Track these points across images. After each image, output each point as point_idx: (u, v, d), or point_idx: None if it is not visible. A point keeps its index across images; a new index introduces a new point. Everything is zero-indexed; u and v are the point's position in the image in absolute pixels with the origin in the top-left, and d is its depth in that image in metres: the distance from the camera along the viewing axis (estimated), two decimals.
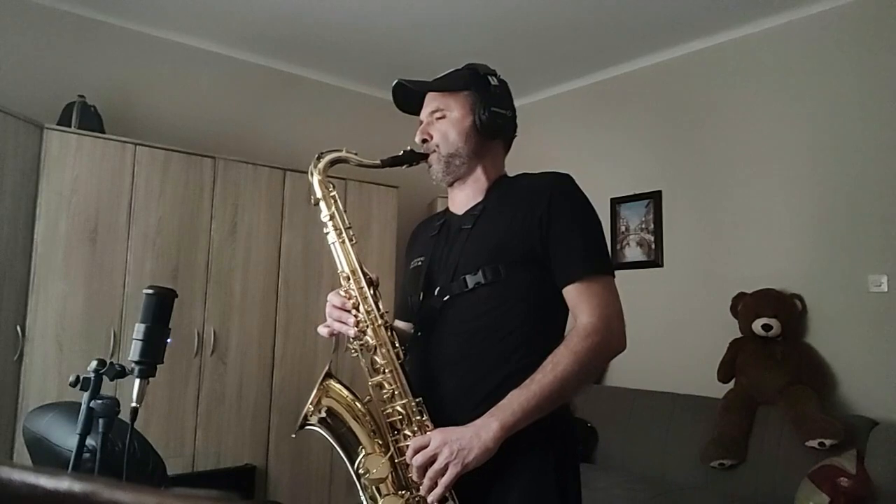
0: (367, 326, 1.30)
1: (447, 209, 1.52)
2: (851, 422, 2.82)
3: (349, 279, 1.33)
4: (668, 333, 3.61)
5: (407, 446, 1.23)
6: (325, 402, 1.30)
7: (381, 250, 4.15)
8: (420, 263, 1.45)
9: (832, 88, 3.25)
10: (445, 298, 1.33)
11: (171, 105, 3.88)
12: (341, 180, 4.05)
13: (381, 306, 1.31)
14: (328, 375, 1.33)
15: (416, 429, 1.24)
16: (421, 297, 1.39)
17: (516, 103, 1.51)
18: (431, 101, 1.44)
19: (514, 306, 1.29)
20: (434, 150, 1.41)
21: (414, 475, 1.21)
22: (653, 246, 3.88)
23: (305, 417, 1.30)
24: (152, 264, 3.33)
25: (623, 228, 4.05)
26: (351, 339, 1.32)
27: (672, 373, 3.57)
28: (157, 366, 1.29)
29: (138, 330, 1.29)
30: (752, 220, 3.47)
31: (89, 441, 1.26)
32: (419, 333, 1.38)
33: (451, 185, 1.46)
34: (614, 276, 1.32)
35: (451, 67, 1.54)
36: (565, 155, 4.21)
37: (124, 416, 1.27)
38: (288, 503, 3.61)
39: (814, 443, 2.74)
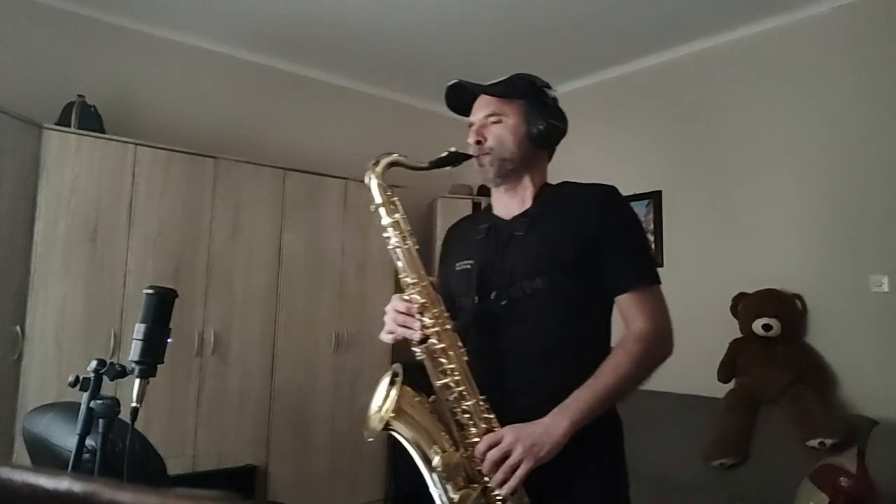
0: (434, 331, 1.32)
1: (486, 211, 1.57)
2: (852, 421, 2.83)
3: (415, 285, 1.34)
4: None
5: (474, 443, 1.28)
6: (398, 405, 1.32)
7: (382, 250, 4.12)
8: (469, 266, 1.48)
9: (834, 89, 3.25)
10: (503, 303, 1.39)
11: (171, 105, 3.88)
12: (343, 180, 4.05)
13: (446, 313, 1.34)
14: (405, 382, 1.36)
15: (483, 426, 1.29)
16: (477, 300, 1.43)
17: None
18: (487, 105, 1.47)
19: (568, 311, 1.37)
20: (487, 153, 1.45)
21: (484, 469, 1.26)
22: (653, 246, 3.88)
23: (387, 424, 1.32)
24: (153, 264, 3.32)
25: None
26: (416, 343, 1.34)
27: (673, 373, 3.53)
28: (158, 366, 1.29)
29: (138, 330, 1.28)
30: (753, 220, 3.47)
31: (89, 441, 1.26)
32: (474, 335, 1.40)
33: (498, 187, 1.51)
34: (661, 285, 1.40)
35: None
36: (565, 155, 4.20)
37: (124, 416, 1.27)
38: (289, 503, 3.61)
39: (814, 442, 2.75)
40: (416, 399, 1.34)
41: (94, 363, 1.27)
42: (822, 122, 3.27)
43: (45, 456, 1.54)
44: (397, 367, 1.38)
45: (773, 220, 3.39)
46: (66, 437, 1.42)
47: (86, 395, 1.25)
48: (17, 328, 2.95)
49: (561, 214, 1.41)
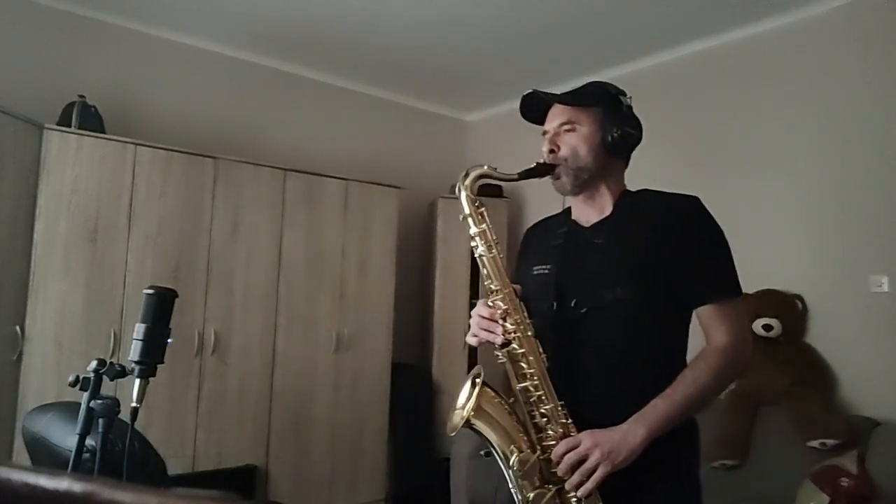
0: (515, 336, 1.35)
1: (565, 215, 1.57)
2: (853, 422, 2.82)
3: (498, 292, 1.38)
4: None
5: (551, 445, 1.32)
6: (477, 406, 1.37)
7: (383, 250, 4.15)
8: (546, 271, 1.49)
9: (833, 89, 3.24)
10: (583, 310, 1.39)
11: (171, 105, 3.88)
12: (342, 180, 4.05)
13: (527, 316, 1.37)
14: (484, 384, 1.39)
15: (560, 430, 1.32)
16: (555, 307, 1.44)
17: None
18: (561, 114, 1.47)
19: (648, 322, 1.38)
20: (562, 162, 1.44)
21: (561, 471, 1.29)
22: None
23: (468, 420, 1.36)
24: (153, 264, 3.33)
25: None
26: (498, 347, 1.37)
27: None
28: (158, 366, 1.29)
29: (138, 330, 1.28)
30: (753, 221, 3.47)
31: (89, 441, 1.26)
32: (552, 340, 1.42)
33: (574, 196, 1.51)
34: (742, 297, 1.43)
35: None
36: None
37: (124, 416, 1.27)
38: (288, 503, 3.61)
39: (815, 443, 2.74)
40: (496, 400, 1.38)
41: (94, 363, 1.27)
42: (823, 122, 3.27)
43: (44, 456, 1.54)
44: (479, 368, 1.41)
45: (773, 220, 3.39)
46: (66, 437, 1.42)
47: (86, 395, 1.25)
48: (17, 328, 2.95)
49: (642, 223, 1.42)
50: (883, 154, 3.05)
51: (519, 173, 1.43)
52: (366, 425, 4.03)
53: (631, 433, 1.27)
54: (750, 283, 3.26)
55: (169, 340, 1.31)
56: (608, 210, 1.47)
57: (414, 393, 4.26)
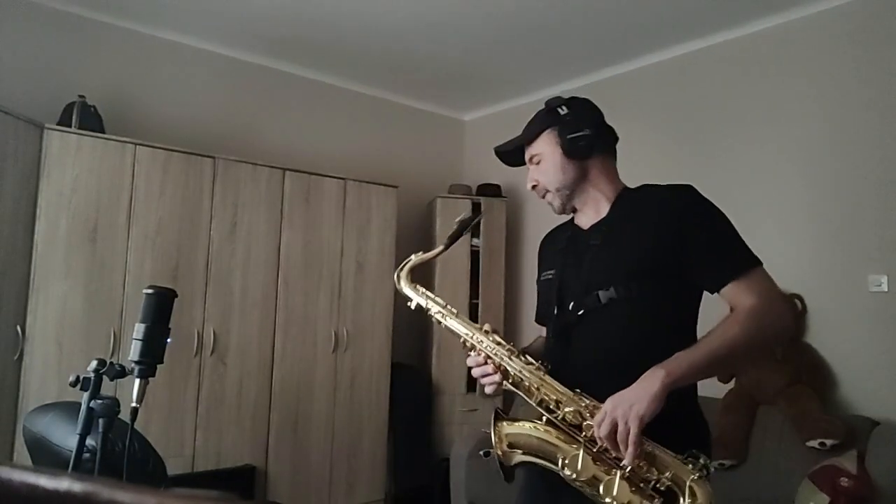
0: (504, 367, 1.39)
1: (572, 222, 1.60)
2: (852, 422, 2.82)
3: (473, 347, 1.44)
4: None
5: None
6: (507, 440, 1.37)
7: (381, 250, 4.15)
8: (551, 276, 1.55)
9: (833, 88, 3.25)
10: (580, 313, 1.41)
11: (170, 105, 3.88)
12: (340, 180, 4.05)
13: (503, 342, 1.41)
14: (497, 418, 1.40)
15: (590, 414, 1.31)
16: (556, 311, 1.48)
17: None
18: (528, 152, 1.55)
19: (647, 321, 1.38)
20: (544, 193, 1.53)
21: (609, 447, 1.26)
22: None
23: (501, 465, 1.36)
24: (152, 264, 3.33)
25: None
26: (504, 383, 1.41)
27: None
28: (157, 366, 1.29)
29: (138, 330, 1.29)
30: (752, 220, 3.46)
31: (89, 441, 1.26)
32: (556, 345, 1.47)
33: (573, 211, 1.57)
34: (762, 265, 1.39)
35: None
36: None
37: (124, 416, 1.27)
38: (287, 503, 3.61)
39: (814, 443, 2.74)
40: (527, 426, 1.37)
41: (94, 363, 1.27)
42: (822, 121, 3.27)
43: (45, 455, 1.54)
44: (497, 407, 1.44)
45: (772, 219, 3.39)
46: (66, 437, 1.42)
47: (86, 395, 1.25)
48: (18, 327, 2.95)
49: (637, 220, 1.43)
50: (882, 153, 3.05)
51: (445, 244, 1.54)
52: (365, 425, 4.03)
53: (649, 377, 1.24)
54: None
55: (168, 340, 1.31)
56: (605, 211, 1.50)
57: (413, 393, 4.26)
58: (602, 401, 1.29)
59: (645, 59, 4.07)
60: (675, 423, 1.27)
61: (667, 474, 1.24)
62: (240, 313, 3.60)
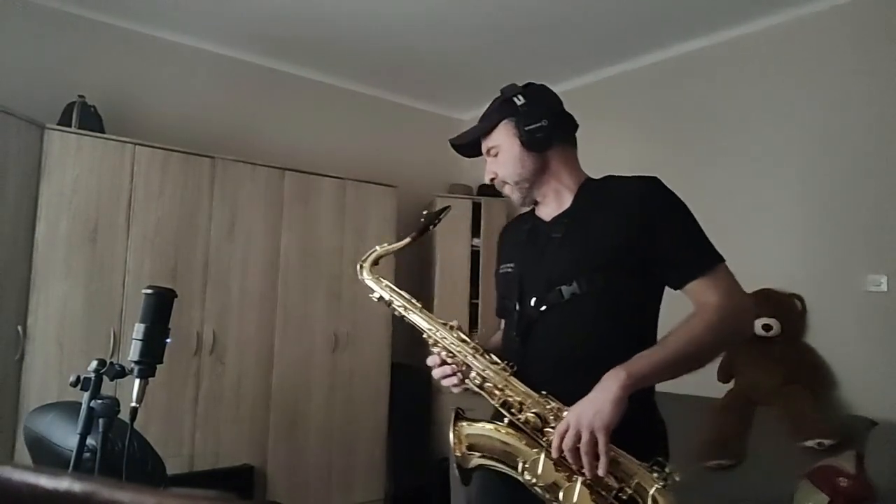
0: (466, 365, 1.36)
1: (532, 213, 1.55)
2: (851, 422, 2.82)
3: (435, 343, 1.41)
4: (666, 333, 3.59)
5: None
6: (466, 441, 1.34)
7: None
8: (511, 270, 1.49)
9: (832, 88, 3.25)
10: (542, 308, 1.37)
11: (170, 105, 3.88)
12: (339, 180, 4.06)
13: (469, 339, 1.38)
14: (457, 419, 1.36)
15: (553, 419, 1.26)
16: (517, 306, 1.42)
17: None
18: (484, 144, 1.51)
19: (611, 317, 1.34)
20: (504, 185, 1.50)
21: (573, 462, 1.21)
22: None
23: (460, 468, 1.34)
24: (150, 264, 3.33)
25: None
26: (465, 381, 1.38)
27: None
28: (157, 366, 1.29)
29: (138, 330, 1.29)
30: (751, 220, 3.48)
31: (89, 441, 1.26)
32: (518, 341, 1.41)
33: (534, 204, 1.52)
34: (725, 262, 1.36)
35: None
36: None
37: (124, 415, 1.28)
38: (286, 503, 3.61)
39: (812, 443, 2.74)
40: (486, 427, 1.33)
41: (94, 363, 1.28)
42: (820, 121, 3.27)
43: (46, 455, 1.54)
44: (457, 407, 1.41)
45: (772, 219, 3.40)
46: (66, 437, 1.43)
47: (86, 395, 1.25)
48: (19, 328, 2.96)
49: (601, 212, 1.38)
50: (881, 153, 3.06)
51: (412, 236, 1.49)
52: (363, 425, 4.03)
53: (609, 381, 1.19)
54: (749, 283, 3.26)
55: (168, 340, 1.31)
56: (568, 202, 1.45)
57: (413, 393, 4.25)
58: (566, 401, 1.24)
59: (642, 59, 4.07)
60: (632, 426, 1.21)
61: (630, 482, 1.19)
62: (239, 313, 3.60)
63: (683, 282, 1.32)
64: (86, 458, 1.29)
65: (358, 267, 1.53)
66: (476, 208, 4.54)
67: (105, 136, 3.30)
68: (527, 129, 1.41)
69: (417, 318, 1.44)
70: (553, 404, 1.27)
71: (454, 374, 1.37)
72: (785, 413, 2.92)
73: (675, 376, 1.27)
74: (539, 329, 1.38)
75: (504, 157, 1.46)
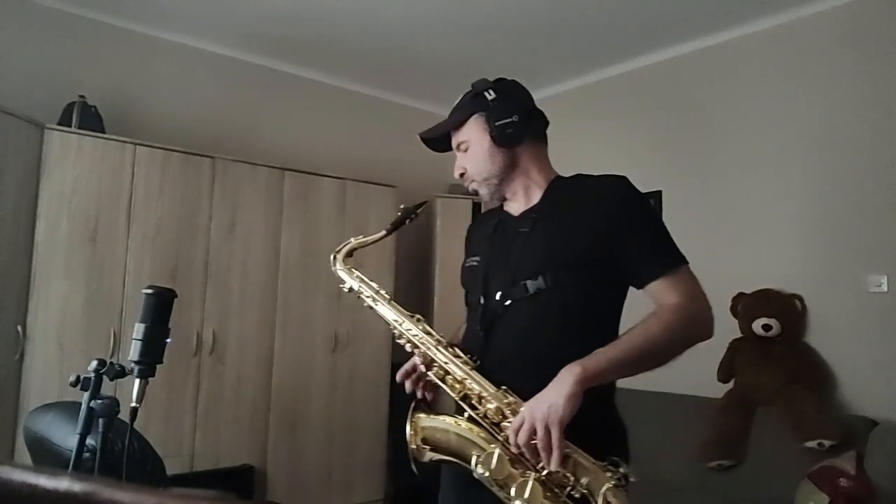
0: (430, 358, 1.39)
1: (501, 208, 1.55)
2: (851, 422, 2.82)
3: (395, 329, 1.44)
4: None
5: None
6: (422, 434, 1.36)
7: (380, 249, 4.15)
8: (476, 263, 1.50)
9: (832, 88, 3.25)
10: (507, 303, 1.37)
11: (170, 105, 3.88)
12: (340, 180, 4.06)
13: (433, 332, 1.40)
14: (415, 410, 1.40)
15: (511, 414, 1.25)
16: (482, 300, 1.42)
17: None
18: (454, 138, 1.50)
19: (575, 311, 1.33)
20: (472, 181, 1.48)
21: (530, 457, 1.21)
22: None
23: (414, 459, 1.36)
24: (151, 264, 3.33)
25: None
26: (426, 372, 1.41)
27: (671, 373, 3.54)
28: (157, 366, 1.29)
29: (138, 330, 1.29)
30: (752, 220, 3.48)
31: (89, 441, 1.26)
32: (481, 335, 1.41)
33: (501, 200, 1.51)
34: (688, 265, 1.37)
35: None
36: (564, 154, 4.20)
37: (124, 415, 1.27)
38: (286, 503, 3.61)
39: (813, 443, 2.74)
40: (446, 420, 1.34)
41: (94, 363, 1.27)
42: (821, 121, 3.27)
43: (45, 455, 1.54)
44: (416, 400, 1.45)
45: (772, 219, 3.40)
46: (66, 437, 1.43)
47: (86, 395, 1.25)
48: (19, 328, 2.95)
49: (569, 209, 1.38)
50: (881, 153, 3.06)
51: (387, 229, 1.53)
52: (364, 425, 4.03)
53: (564, 374, 1.19)
54: (749, 282, 3.30)
55: (168, 340, 1.31)
56: (537, 198, 1.45)
57: (413, 392, 4.24)
58: (527, 396, 1.24)
59: (644, 59, 4.07)
60: (590, 425, 1.21)
61: (583, 481, 1.18)
62: (239, 313, 3.60)
63: (645, 281, 1.33)
64: (86, 458, 1.29)
65: (331, 257, 1.55)
66: (476, 208, 4.53)
67: (105, 136, 3.30)
68: (497, 124, 1.41)
69: (385, 310, 1.46)
70: (510, 398, 1.27)
71: (420, 364, 1.41)
72: (786, 413, 2.92)
73: (632, 374, 1.27)
74: (503, 323, 1.37)
75: (474, 152, 1.46)
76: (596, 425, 1.26)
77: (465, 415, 1.31)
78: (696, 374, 3.45)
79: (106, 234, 3.22)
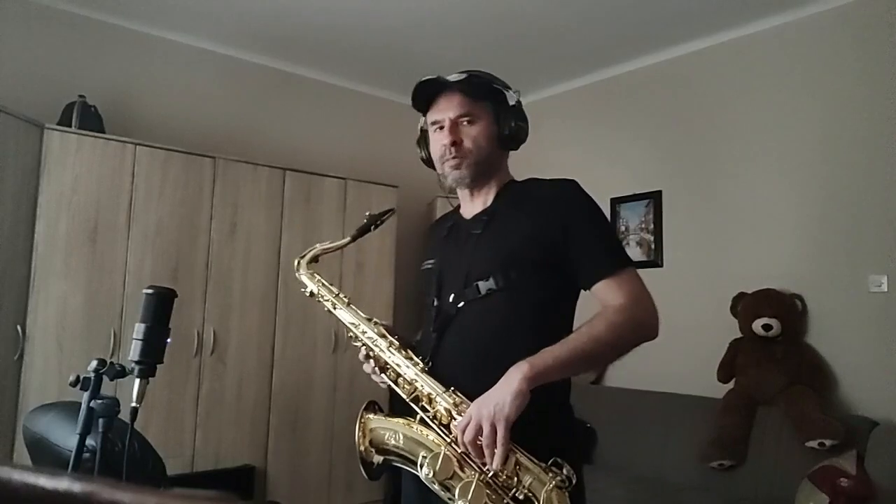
0: (384, 361, 1.40)
1: (456, 210, 1.57)
2: (852, 422, 2.82)
3: (356, 338, 1.45)
4: (667, 333, 3.53)
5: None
6: (370, 436, 1.39)
7: (381, 249, 4.15)
8: (431, 266, 1.51)
9: (832, 88, 3.25)
10: (460, 304, 1.38)
11: (170, 105, 3.88)
12: (341, 180, 4.05)
13: (388, 335, 1.41)
14: (367, 410, 1.42)
15: (458, 414, 1.27)
16: (435, 301, 1.44)
17: None
18: (458, 105, 1.43)
19: (527, 311, 1.35)
20: (466, 155, 1.43)
21: (474, 454, 1.21)
22: (652, 246, 3.88)
23: (363, 461, 1.37)
24: (152, 264, 3.33)
25: (623, 228, 4.05)
26: (383, 377, 1.42)
27: (672, 373, 3.57)
28: (157, 366, 1.29)
29: (138, 330, 1.29)
30: (752, 220, 3.48)
31: (89, 441, 1.26)
32: (434, 338, 1.42)
33: (468, 189, 1.50)
34: (636, 268, 1.37)
35: (451, 67, 1.55)
36: (565, 155, 4.22)
37: (124, 415, 1.27)
38: (287, 503, 3.61)
39: (814, 443, 2.74)
40: (392, 421, 1.36)
41: (94, 363, 1.27)
42: (821, 121, 3.27)
43: (45, 455, 1.54)
44: (370, 401, 1.47)
45: (773, 220, 3.40)
46: (66, 437, 1.43)
47: (86, 395, 1.25)
48: (18, 328, 2.95)
49: (520, 211, 1.40)
50: (881, 153, 3.06)
51: (352, 235, 1.52)
52: None
53: (511, 374, 1.20)
54: (749, 282, 3.30)
55: (168, 340, 1.31)
56: (491, 201, 1.47)
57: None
58: (476, 397, 1.25)
59: (645, 59, 4.07)
60: (543, 425, 1.24)
61: (526, 481, 1.19)
62: (240, 313, 3.60)
63: (591, 282, 1.34)
64: (86, 458, 1.29)
65: (295, 263, 1.57)
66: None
67: (105, 136, 3.30)
68: (518, 122, 1.45)
69: (343, 314, 1.47)
70: (458, 399, 1.28)
71: (373, 370, 1.42)
72: (787, 413, 2.92)
73: (578, 372, 1.30)
74: (455, 325, 1.38)
75: (480, 133, 1.43)
76: (550, 422, 1.29)
77: (417, 417, 1.32)
78: (696, 374, 3.46)
79: (106, 234, 3.22)
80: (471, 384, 1.28)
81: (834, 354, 3.11)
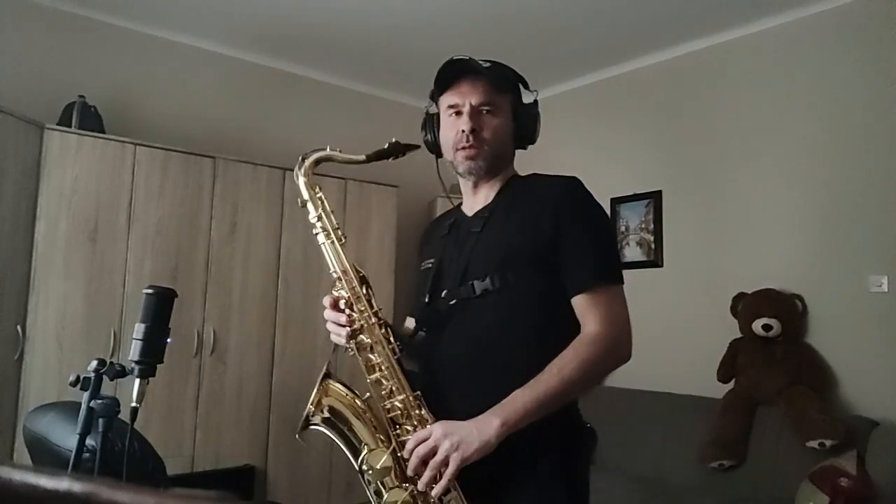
0: (362, 324, 1.31)
1: (458, 208, 1.53)
2: (852, 422, 2.82)
3: (340, 279, 1.33)
4: (667, 333, 3.60)
5: (408, 440, 1.24)
6: (326, 401, 1.32)
7: (381, 249, 4.15)
8: (431, 265, 1.46)
9: (833, 88, 3.25)
10: (452, 302, 1.34)
11: (170, 105, 3.88)
12: (341, 180, 4.05)
13: (374, 304, 1.31)
14: (327, 375, 1.34)
15: (415, 423, 1.25)
16: (427, 299, 1.40)
17: None
18: (482, 93, 1.36)
19: (522, 313, 1.29)
20: (480, 148, 1.36)
21: (410, 467, 1.21)
22: (653, 246, 3.88)
23: (307, 418, 1.33)
24: (152, 264, 3.33)
25: (623, 228, 4.05)
26: (346, 338, 1.33)
27: (672, 373, 3.57)
28: (157, 366, 1.29)
29: (138, 330, 1.28)
30: (753, 221, 3.47)
31: (89, 441, 1.26)
32: (424, 334, 1.39)
33: (478, 181, 1.43)
34: (623, 284, 1.32)
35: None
36: (565, 154, 4.21)
37: (124, 415, 1.27)
38: (287, 503, 3.61)
39: (814, 443, 2.74)
40: (349, 396, 1.32)
41: (94, 363, 1.27)
42: (821, 121, 3.27)
43: (45, 455, 1.54)
44: (329, 365, 1.38)
45: (773, 220, 3.39)
46: (66, 437, 1.42)
47: (86, 395, 1.25)
48: (18, 328, 2.95)
49: (518, 209, 1.35)
50: (882, 153, 3.06)
51: (368, 155, 1.39)
52: None
53: (484, 423, 1.17)
54: (749, 282, 3.30)
55: (168, 340, 1.31)
56: (493, 197, 1.42)
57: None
58: (459, 400, 1.24)
59: (645, 59, 4.07)
60: (552, 426, 1.22)
61: None
62: (240, 313, 3.60)
63: (572, 291, 1.28)
64: (86, 458, 1.29)
65: (299, 159, 1.43)
66: None
67: (105, 136, 3.30)
68: (536, 122, 1.43)
69: (331, 251, 1.34)
70: (420, 411, 1.25)
71: (345, 326, 1.32)
72: (787, 413, 2.92)
73: (550, 412, 1.22)
74: (446, 322, 1.34)
75: (500, 125, 1.38)
76: (559, 428, 1.27)
77: (367, 395, 1.30)
78: (696, 374, 3.46)
79: (106, 234, 3.22)
80: (458, 383, 1.28)
81: (834, 354, 3.11)
